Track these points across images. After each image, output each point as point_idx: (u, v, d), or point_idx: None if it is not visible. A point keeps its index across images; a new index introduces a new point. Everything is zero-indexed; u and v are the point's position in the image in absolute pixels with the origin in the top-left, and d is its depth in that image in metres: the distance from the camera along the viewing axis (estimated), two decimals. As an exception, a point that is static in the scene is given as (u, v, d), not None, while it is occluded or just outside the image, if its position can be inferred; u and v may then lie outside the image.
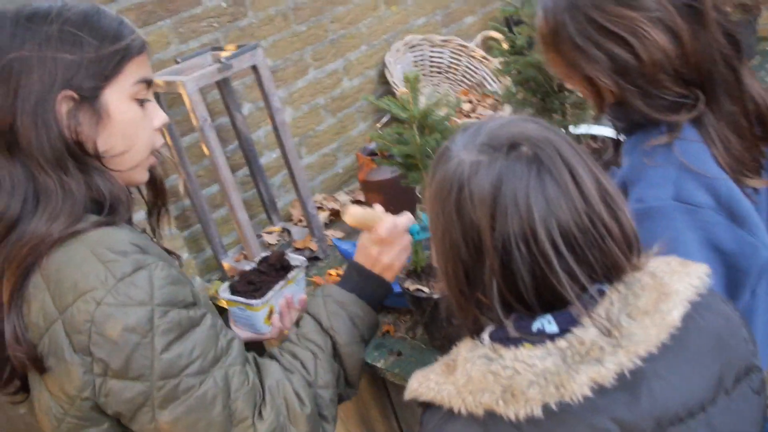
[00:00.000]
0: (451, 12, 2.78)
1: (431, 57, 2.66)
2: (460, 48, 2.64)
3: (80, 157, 0.93)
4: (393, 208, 1.26)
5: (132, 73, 0.97)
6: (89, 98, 0.93)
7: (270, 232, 2.06)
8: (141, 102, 1.00)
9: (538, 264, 0.74)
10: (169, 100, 1.92)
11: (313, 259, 1.94)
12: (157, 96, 1.79)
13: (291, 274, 1.38)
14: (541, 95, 1.62)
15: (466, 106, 2.55)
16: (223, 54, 1.77)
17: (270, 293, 1.32)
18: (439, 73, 2.69)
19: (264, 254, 1.46)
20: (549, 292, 0.75)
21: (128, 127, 0.98)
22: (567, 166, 0.76)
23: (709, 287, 0.81)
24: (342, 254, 1.80)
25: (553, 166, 0.76)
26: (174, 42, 1.92)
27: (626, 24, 1.01)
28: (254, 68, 1.73)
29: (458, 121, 2.08)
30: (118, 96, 0.96)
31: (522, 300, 0.76)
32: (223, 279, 2.04)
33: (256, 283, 1.37)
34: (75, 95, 0.92)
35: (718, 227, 0.99)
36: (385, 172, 1.92)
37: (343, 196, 2.27)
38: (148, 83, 1.01)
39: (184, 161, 1.85)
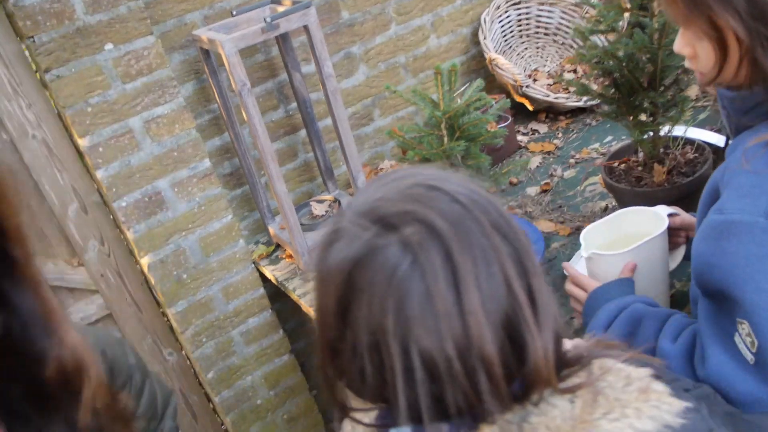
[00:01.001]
0: (572, -37, 2.42)
1: (538, 16, 2.34)
2: (574, 9, 2.30)
3: None
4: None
5: None
6: None
7: (321, 201, 1.94)
8: None
9: (387, 376, 0.56)
10: (219, 55, 1.82)
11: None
12: (206, 52, 1.68)
13: None
14: (626, 90, 1.34)
15: (569, 76, 2.24)
16: (280, 8, 1.62)
17: None
18: (546, 35, 2.37)
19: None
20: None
21: None
22: (450, 269, 0.55)
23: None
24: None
25: (428, 265, 0.55)
26: (238, -11, 1.80)
27: None
28: (306, 29, 1.57)
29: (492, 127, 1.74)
30: None
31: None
32: (269, 244, 1.96)
33: None
34: None
35: None
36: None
37: (411, 167, 2.10)
38: None
39: (232, 120, 1.75)
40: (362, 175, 1.75)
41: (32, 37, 1.49)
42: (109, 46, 1.56)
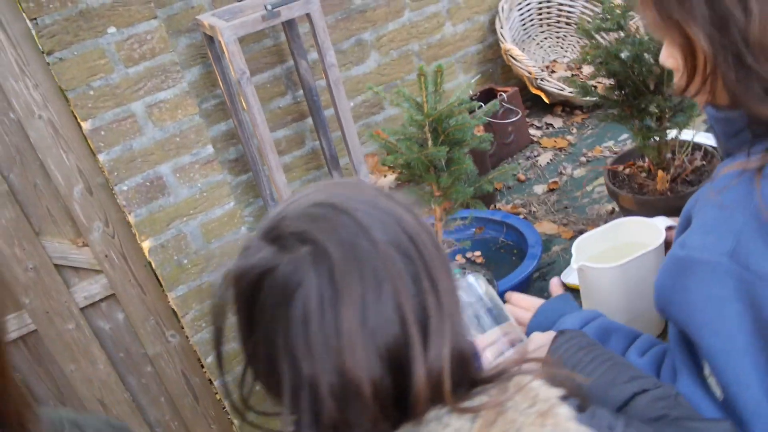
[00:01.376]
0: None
1: (560, 4, 2.26)
2: (597, -2, 2.22)
3: None
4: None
5: None
6: None
7: (325, 191, 1.93)
8: None
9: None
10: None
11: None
12: (209, 38, 1.67)
13: None
14: (632, 93, 1.28)
15: (586, 69, 2.17)
16: (283, -5, 1.59)
17: None
18: (567, 24, 2.29)
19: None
20: None
21: None
22: (333, 292, 0.55)
23: None
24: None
25: (312, 288, 0.56)
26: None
27: None
28: (308, 17, 1.54)
29: (479, 131, 1.67)
30: None
31: None
32: (271, 231, 1.96)
33: None
34: None
35: None
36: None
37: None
38: None
39: (236, 107, 1.74)
40: (364, 166, 1.72)
41: (35, 18, 1.49)
42: (112, 29, 1.56)
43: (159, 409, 2.15)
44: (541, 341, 0.94)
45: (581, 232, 1.58)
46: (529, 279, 1.43)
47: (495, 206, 1.75)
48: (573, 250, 1.19)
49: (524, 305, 1.07)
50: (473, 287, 1.01)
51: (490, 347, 0.98)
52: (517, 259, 1.49)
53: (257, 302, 0.59)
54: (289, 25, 1.73)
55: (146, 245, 1.76)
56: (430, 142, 1.04)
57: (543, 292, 1.44)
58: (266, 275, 0.58)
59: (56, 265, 1.85)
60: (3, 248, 1.76)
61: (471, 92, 1.97)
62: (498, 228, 1.61)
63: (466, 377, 0.59)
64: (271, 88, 1.90)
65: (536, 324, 1.04)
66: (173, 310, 1.97)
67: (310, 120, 1.98)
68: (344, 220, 0.58)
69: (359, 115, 2.08)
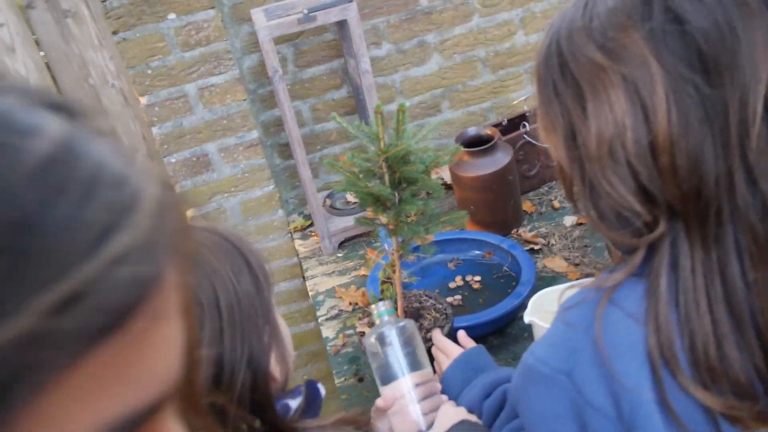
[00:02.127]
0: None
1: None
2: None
3: None
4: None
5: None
6: None
7: (362, 187, 1.97)
8: None
9: None
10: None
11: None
12: (260, 30, 1.75)
13: None
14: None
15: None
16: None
17: None
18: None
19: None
20: None
21: None
22: None
23: None
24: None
25: None
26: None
27: (588, 70, 0.66)
28: (345, 24, 1.58)
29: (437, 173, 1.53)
30: None
31: None
32: (308, 218, 2.04)
33: None
34: None
35: None
36: (483, 166, 1.66)
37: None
38: None
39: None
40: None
41: (105, 0, 1.65)
42: (172, 15, 1.68)
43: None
44: (445, 420, 0.95)
45: (589, 276, 1.52)
46: (512, 315, 1.41)
47: (517, 231, 1.72)
48: (530, 303, 1.16)
49: (446, 352, 1.07)
50: (387, 336, 1.03)
51: (405, 396, 1.00)
52: (513, 291, 1.47)
53: None
54: (341, 25, 1.77)
55: (188, 214, 1.91)
56: (387, 179, 1.06)
57: (524, 331, 1.41)
58: None
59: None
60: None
61: (526, 108, 1.91)
62: (505, 256, 1.59)
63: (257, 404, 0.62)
64: (327, 80, 1.96)
65: (451, 375, 1.04)
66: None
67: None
68: None
69: (415, 116, 2.09)
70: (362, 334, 1.22)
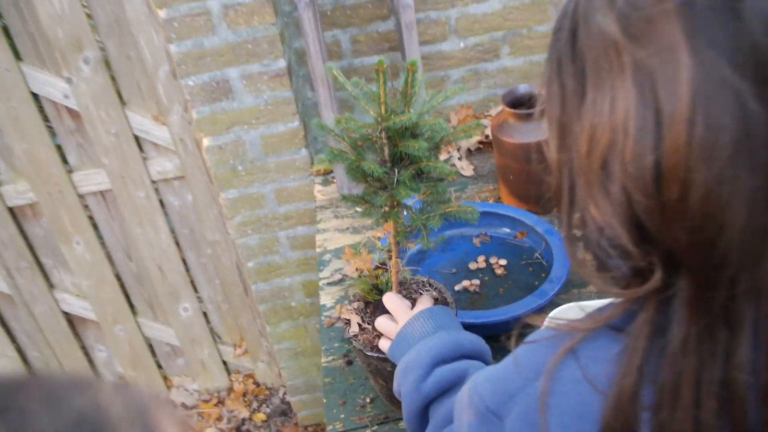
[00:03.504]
0: None
1: None
2: None
3: None
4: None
5: None
6: None
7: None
8: None
9: None
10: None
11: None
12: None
13: None
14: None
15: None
16: None
17: None
18: None
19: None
20: None
21: None
22: None
23: None
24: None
25: None
26: None
27: (597, 45, 0.50)
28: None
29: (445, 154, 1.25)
30: None
31: None
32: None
33: None
34: None
35: None
36: (529, 132, 1.42)
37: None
38: None
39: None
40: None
41: None
42: None
43: (213, 289, 2.27)
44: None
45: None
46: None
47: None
48: (547, 318, 0.97)
49: (394, 314, 0.98)
50: None
51: None
52: (540, 285, 1.26)
53: None
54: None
55: (204, 143, 1.76)
56: (387, 152, 0.86)
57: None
58: None
59: (136, 136, 1.93)
60: (91, 109, 1.87)
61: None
62: (539, 241, 1.37)
63: None
64: (372, 8, 1.73)
65: (396, 349, 0.93)
66: (235, 207, 2.00)
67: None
68: None
69: (468, 59, 1.84)
70: (347, 322, 1.06)
